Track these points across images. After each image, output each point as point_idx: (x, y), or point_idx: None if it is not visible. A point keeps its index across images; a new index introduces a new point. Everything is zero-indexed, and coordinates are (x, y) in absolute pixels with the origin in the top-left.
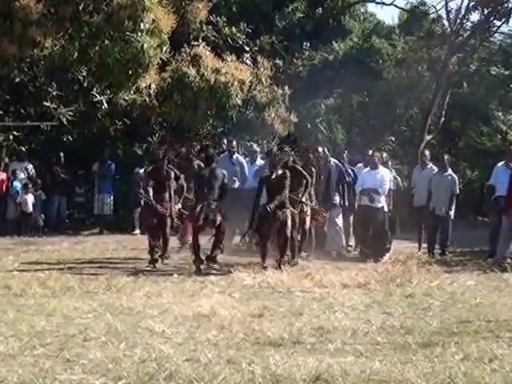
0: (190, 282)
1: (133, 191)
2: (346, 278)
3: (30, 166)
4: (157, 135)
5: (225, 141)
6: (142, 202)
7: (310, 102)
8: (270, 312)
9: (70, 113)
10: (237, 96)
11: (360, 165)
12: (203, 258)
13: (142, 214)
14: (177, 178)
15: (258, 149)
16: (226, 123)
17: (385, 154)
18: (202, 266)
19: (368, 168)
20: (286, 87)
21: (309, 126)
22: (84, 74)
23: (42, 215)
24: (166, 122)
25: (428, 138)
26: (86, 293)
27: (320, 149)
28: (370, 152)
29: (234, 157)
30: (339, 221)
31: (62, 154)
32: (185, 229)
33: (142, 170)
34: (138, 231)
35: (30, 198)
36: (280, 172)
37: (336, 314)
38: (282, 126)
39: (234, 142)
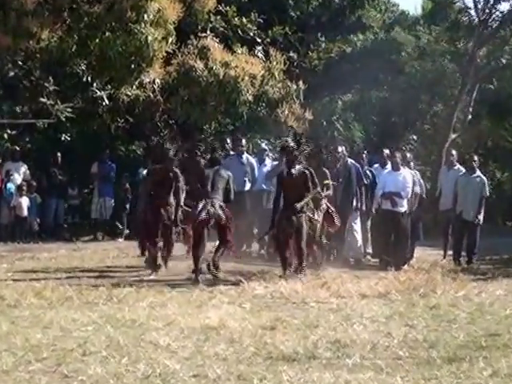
0: (197, 292)
1: (137, 194)
2: (364, 287)
3: (25, 167)
4: (161, 133)
5: (228, 140)
6: (143, 206)
7: (326, 98)
8: (284, 324)
9: (69, 109)
10: (247, 91)
11: (376, 165)
12: (205, 266)
13: (143, 219)
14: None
15: (266, 147)
16: (236, 121)
17: (408, 155)
18: (202, 277)
19: (389, 169)
20: (301, 82)
21: (324, 123)
22: (83, 67)
23: (38, 220)
24: (172, 120)
25: (453, 136)
26: (85, 304)
27: (340, 148)
28: (387, 152)
29: (244, 157)
30: (357, 226)
31: (59, 154)
32: (188, 234)
33: (145, 171)
34: (121, 239)
35: (24, 201)
36: (298, 169)
37: (354, 327)
38: (296, 124)
39: (244, 141)
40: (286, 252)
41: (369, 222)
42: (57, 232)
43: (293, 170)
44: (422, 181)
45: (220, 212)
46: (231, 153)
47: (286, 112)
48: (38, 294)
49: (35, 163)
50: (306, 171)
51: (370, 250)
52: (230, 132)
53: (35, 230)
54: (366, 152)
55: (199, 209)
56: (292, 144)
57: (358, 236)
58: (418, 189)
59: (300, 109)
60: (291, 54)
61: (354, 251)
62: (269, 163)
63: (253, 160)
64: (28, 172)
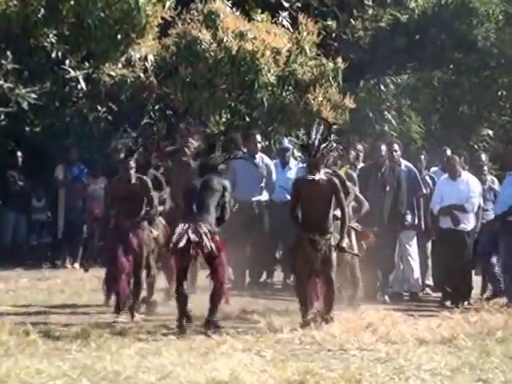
0: (201, 336)
1: None
2: (423, 330)
3: None
4: (154, 125)
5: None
6: (101, 230)
7: (373, 81)
8: (316, 378)
9: (33, 95)
10: (269, 71)
11: (435, 169)
12: (203, 327)
13: (104, 244)
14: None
15: (290, 146)
16: (254, 110)
17: (483, 156)
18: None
19: (446, 176)
20: (340, 59)
21: (371, 114)
22: (52, 40)
23: None
24: (169, 108)
25: None
26: (53, 350)
27: (396, 147)
28: (448, 152)
29: (258, 157)
30: (412, 249)
31: (19, 154)
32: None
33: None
34: (77, 265)
35: None
36: (324, 175)
37: (409, 381)
38: (332, 114)
39: (259, 137)
40: (307, 290)
41: (429, 245)
42: (16, 256)
43: (316, 176)
44: (497, 189)
45: (205, 239)
46: (240, 153)
47: (320, 98)
48: None
49: None
50: (335, 179)
51: (430, 282)
52: (245, 125)
53: None
54: (424, 153)
55: (176, 233)
56: (316, 140)
57: (415, 263)
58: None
59: (338, 94)
60: (328, 22)
61: (409, 282)
62: (294, 166)
63: (269, 161)
64: None
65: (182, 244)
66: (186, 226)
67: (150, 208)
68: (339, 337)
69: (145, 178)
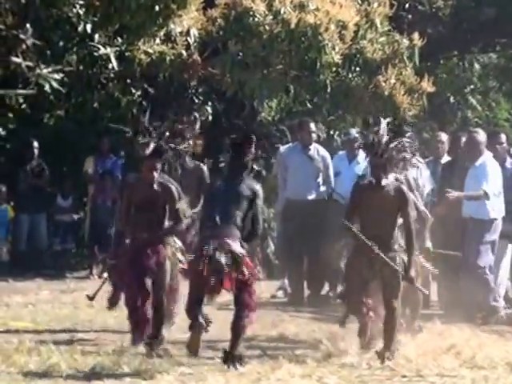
0: (253, 358)
1: None
2: None
3: None
4: (197, 111)
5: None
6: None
7: (455, 60)
8: None
9: (56, 76)
10: (333, 48)
11: None
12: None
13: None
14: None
15: (358, 136)
16: (316, 93)
17: None
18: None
19: None
20: (416, 35)
21: (452, 98)
22: (80, 11)
23: (8, 244)
24: (215, 92)
25: None
26: (78, 374)
27: (503, 137)
28: None
29: (312, 148)
30: (507, 260)
31: (36, 145)
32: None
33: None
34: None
35: None
36: (392, 182)
37: None
38: (407, 99)
39: (312, 125)
40: (364, 314)
41: None
42: (36, 264)
43: (383, 181)
44: None
45: (238, 265)
46: (290, 144)
47: (393, 81)
48: (8, 359)
49: (5, 158)
50: (404, 188)
51: None
52: (304, 112)
53: (3, 261)
54: None
55: (194, 252)
56: (383, 137)
57: (507, 275)
58: None
59: (414, 76)
60: None
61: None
62: (363, 160)
63: (326, 153)
64: None
65: (200, 265)
66: (212, 245)
67: (175, 222)
68: (415, 360)
69: (170, 184)
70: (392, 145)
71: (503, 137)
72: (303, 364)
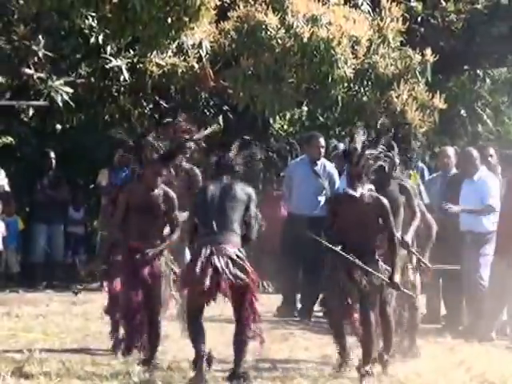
0: (263, 373)
1: None
2: None
3: (2, 174)
4: (208, 124)
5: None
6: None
7: (466, 74)
8: None
9: (68, 89)
10: (346, 63)
11: None
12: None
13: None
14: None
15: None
16: (327, 108)
17: None
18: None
19: None
20: (429, 50)
21: (463, 112)
22: (92, 22)
23: (19, 256)
24: (226, 104)
25: None
26: None
27: (492, 151)
28: None
29: (319, 163)
30: None
31: (52, 155)
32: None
33: None
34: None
35: None
36: (369, 193)
37: None
38: (419, 115)
39: (322, 140)
40: (343, 333)
41: None
42: (48, 275)
43: (359, 190)
44: None
45: (236, 270)
46: (298, 158)
47: (405, 96)
48: (18, 371)
49: (16, 168)
50: (384, 199)
51: None
52: (318, 126)
53: (14, 272)
54: None
55: (197, 265)
56: (359, 144)
57: None
58: None
59: (426, 92)
60: (412, 3)
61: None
62: None
63: (333, 169)
64: (5, 182)
65: (207, 280)
66: (208, 250)
67: (171, 232)
68: (426, 375)
69: (172, 192)
70: (367, 152)
71: (492, 150)
72: (314, 378)
